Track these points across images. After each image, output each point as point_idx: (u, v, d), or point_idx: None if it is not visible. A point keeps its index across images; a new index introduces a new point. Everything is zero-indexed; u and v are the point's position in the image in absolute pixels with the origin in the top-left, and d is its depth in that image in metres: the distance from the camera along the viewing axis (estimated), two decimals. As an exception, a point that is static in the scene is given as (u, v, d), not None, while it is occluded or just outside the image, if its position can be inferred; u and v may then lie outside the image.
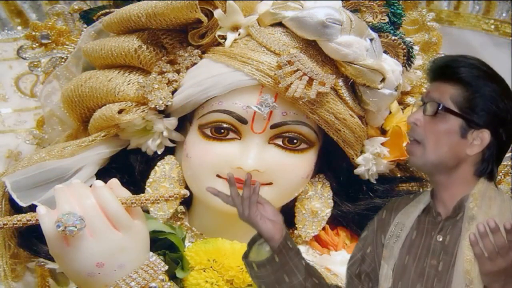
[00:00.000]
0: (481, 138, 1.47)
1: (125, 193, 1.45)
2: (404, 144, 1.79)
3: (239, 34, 1.78)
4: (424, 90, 1.90)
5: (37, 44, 2.08)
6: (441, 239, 1.48)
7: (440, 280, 1.45)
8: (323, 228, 1.86)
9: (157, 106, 1.76)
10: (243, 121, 1.72)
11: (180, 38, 1.83)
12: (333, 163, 1.86)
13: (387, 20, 1.85)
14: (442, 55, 2.15)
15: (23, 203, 1.72)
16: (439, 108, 1.47)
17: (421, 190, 1.88)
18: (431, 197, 1.54)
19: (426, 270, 1.48)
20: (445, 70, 1.53)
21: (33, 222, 1.38)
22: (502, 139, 1.50)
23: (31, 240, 1.76)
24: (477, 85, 1.49)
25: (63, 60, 2.06)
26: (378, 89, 1.77)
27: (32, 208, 1.60)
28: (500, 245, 1.35)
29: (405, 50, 1.86)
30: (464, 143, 1.48)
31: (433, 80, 1.55)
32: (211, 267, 1.64)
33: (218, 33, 1.78)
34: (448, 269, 1.44)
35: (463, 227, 1.44)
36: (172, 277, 1.59)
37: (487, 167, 1.50)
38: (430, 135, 1.48)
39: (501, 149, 1.52)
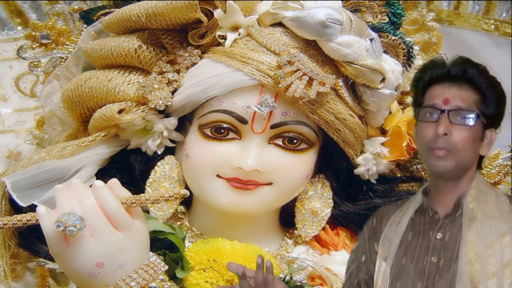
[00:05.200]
0: (491, 137, 1.52)
1: (125, 193, 1.46)
2: (404, 144, 1.80)
3: (239, 34, 1.78)
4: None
5: (37, 44, 2.08)
6: (440, 237, 1.49)
7: (442, 277, 1.46)
8: (323, 228, 1.86)
9: (157, 106, 1.76)
10: (243, 121, 1.72)
11: (180, 38, 1.83)
12: (333, 163, 1.86)
13: (387, 20, 1.85)
14: (443, 55, 2.16)
15: (23, 203, 1.72)
16: (476, 119, 1.47)
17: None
18: (424, 197, 1.55)
19: (427, 268, 1.49)
20: (457, 74, 1.52)
21: (33, 222, 1.39)
22: None
23: (31, 240, 1.76)
24: (493, 91, 1.52)
25: (63, 60, 2.06)
26: (378, 89, 1.77)
27: (32, 208, 1.60)
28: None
29: (405, 50, 1.86)
30: (480, 145, 1.51)
31: (438, 82, 1.53)
32: (211, 267, 1.63)
33: (218, 33, 1.78)
34: (451, 265, 1.45)
35: (463, 224, 1.46)
36: (172, 277, 1.59)
37: (482, 160, 1.55)
38: (460, 144, 1.48)
39: None
